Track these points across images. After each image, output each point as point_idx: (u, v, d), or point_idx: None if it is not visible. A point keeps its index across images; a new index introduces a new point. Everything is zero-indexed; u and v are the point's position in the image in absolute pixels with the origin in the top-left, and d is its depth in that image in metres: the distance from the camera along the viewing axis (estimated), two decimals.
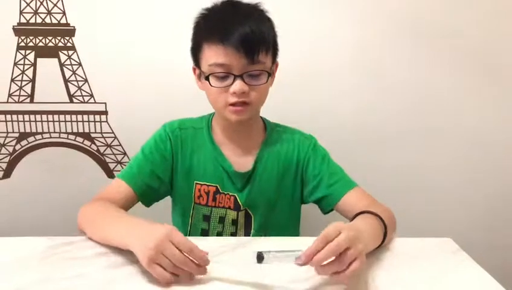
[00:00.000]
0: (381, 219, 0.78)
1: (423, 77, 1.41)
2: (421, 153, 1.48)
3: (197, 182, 0.98)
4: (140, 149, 0.98)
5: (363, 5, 1.34)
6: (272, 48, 0.90)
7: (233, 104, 0.86)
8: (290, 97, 1.37)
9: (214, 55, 0.84)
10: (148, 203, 0.97)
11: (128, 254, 0.72)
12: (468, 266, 0.75)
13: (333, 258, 0.60)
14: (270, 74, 0.90)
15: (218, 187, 0.97)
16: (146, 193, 0.94)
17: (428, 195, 1.51)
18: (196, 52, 0.90)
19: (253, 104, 0.88)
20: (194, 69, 0.94)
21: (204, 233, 0.99)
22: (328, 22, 1.35)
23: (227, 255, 0.75)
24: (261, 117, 1.03)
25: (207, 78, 0.86)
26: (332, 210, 0.96)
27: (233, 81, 0.85)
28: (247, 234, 0.98)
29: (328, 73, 1.39)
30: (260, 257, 0.61)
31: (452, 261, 0.77)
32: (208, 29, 0.87)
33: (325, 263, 0.60)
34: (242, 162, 0.98)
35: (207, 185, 0.97)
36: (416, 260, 0.76)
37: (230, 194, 0.97)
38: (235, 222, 0.97)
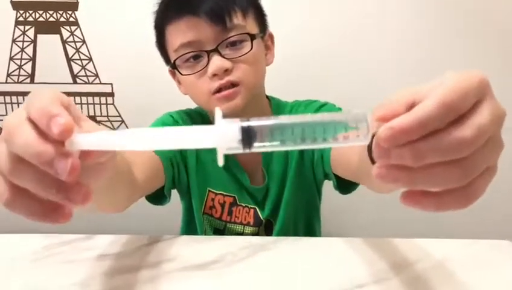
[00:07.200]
0: None
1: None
2: None
3: (211, 189, 0.82)
4: None
5: None
6: (254, 9, 0.72)
7: (218, 91, 0.68)
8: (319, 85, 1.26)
9: (177, 35, 0.69)
10: (167, 187, 0.74)
11: (134, 259, 0.62)
12: None
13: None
14: (255, 38, 0.70)
15: (236, 198, 0.82)
16: (169, 169, 0.74)
17: None
18: (162, 46, 0.75)
19: (245, 82, 0.69)
20: (172, 73, 0.78)
21: None
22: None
23: (249, 260, 0.64)
24: (268, 98, 0.83)
25: (175, 67, 0.71)
26: (346, 184, 0.72)
27: (209, 59, 0.67)
28: None
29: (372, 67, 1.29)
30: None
31: None
32: (164, 9, 0.73)
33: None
34: (254, 172, 0.82)
35: (223, 195, 0.82)
36: (473, 266, 0.64)
37: (249, 206, 0.82)
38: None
